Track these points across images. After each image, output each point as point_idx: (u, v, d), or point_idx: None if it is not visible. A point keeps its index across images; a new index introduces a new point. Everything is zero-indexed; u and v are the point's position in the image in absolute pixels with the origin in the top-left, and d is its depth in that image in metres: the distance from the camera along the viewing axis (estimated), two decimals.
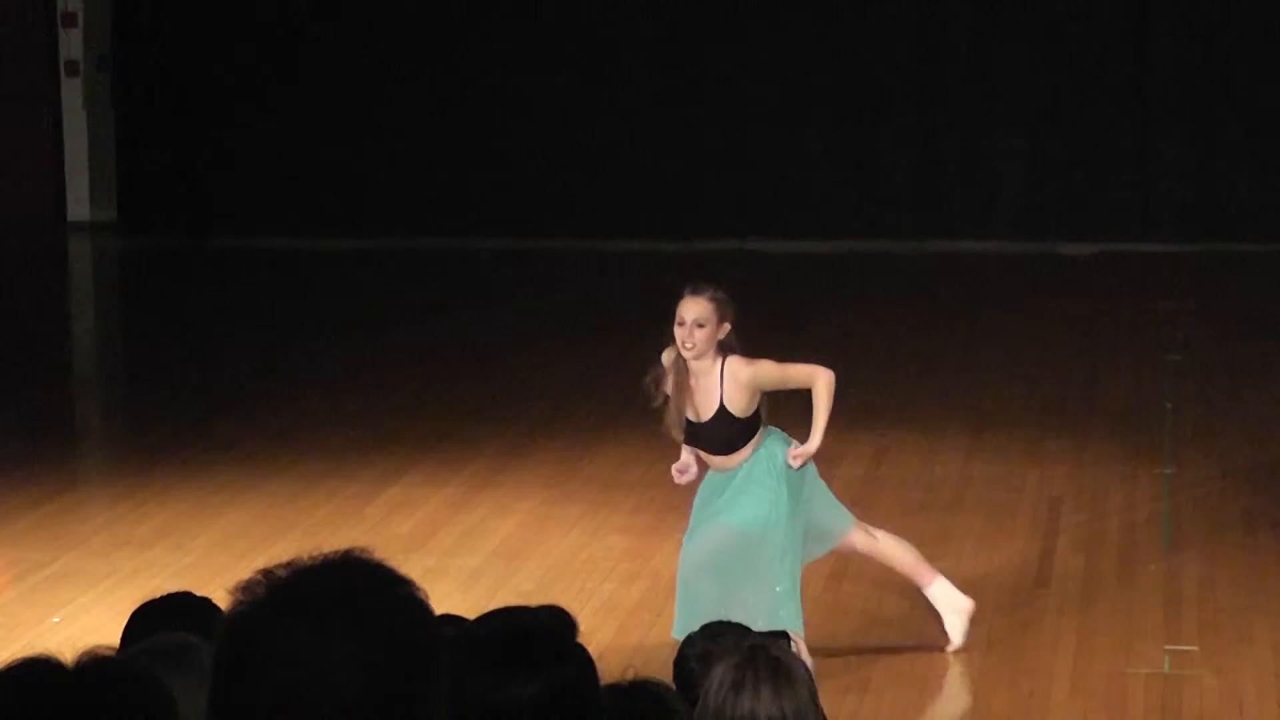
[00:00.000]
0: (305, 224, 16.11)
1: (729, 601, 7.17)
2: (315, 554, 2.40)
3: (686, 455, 7.71)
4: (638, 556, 8.97)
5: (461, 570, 8.71)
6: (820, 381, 7.58)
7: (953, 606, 7.77)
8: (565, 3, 15.93)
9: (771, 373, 7.55)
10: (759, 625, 6.83)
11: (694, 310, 7.43)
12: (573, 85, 15.94)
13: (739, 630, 4.80)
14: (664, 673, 4.67)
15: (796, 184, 15.88)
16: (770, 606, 7.32)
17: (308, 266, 15.59)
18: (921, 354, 12.63)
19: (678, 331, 7.49)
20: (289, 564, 2.38)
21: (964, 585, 8.21)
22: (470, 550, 9.06)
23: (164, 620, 3.94)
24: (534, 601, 3.39)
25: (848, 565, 8.60)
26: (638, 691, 3.65)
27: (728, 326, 7.48)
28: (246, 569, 2.46)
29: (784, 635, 5.07)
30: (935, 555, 8.84)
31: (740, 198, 15.86)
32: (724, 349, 7.49)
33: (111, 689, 2.56)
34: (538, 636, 3.10)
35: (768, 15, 15.79)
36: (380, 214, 16.12)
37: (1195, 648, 7.80)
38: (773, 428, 7.66)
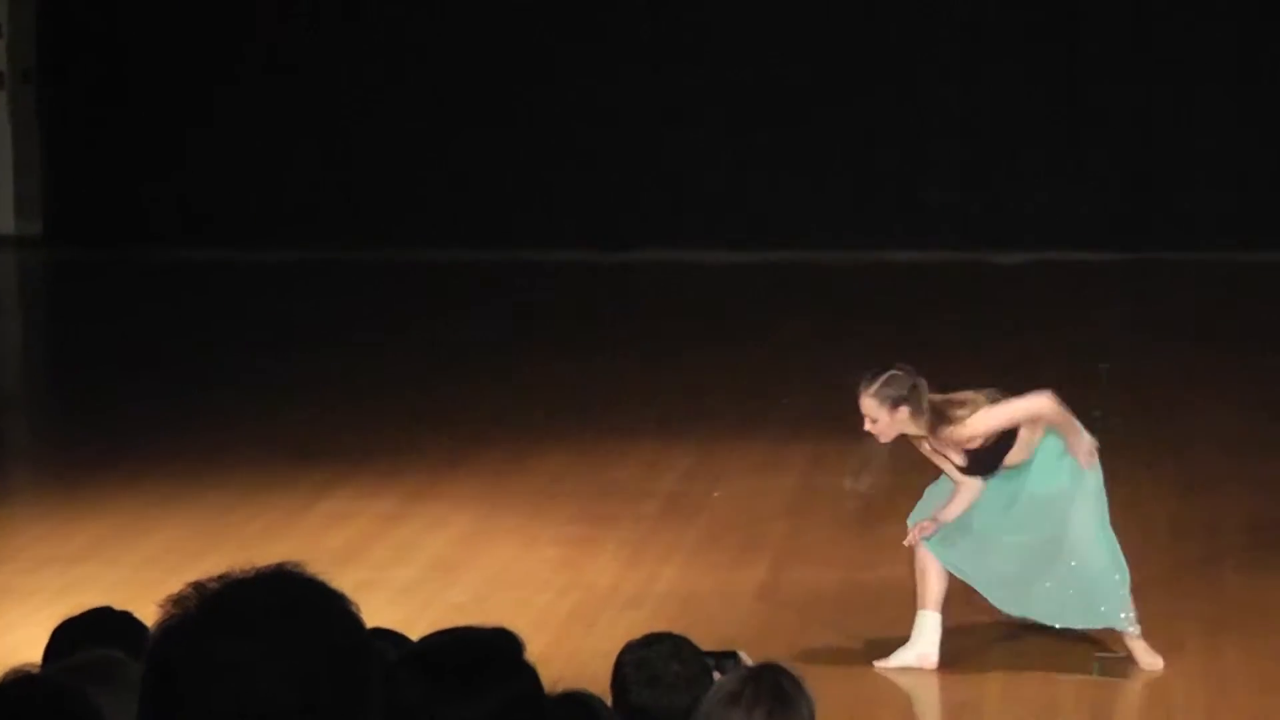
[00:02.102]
0: (236, 236, 16.05)
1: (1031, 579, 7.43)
2: (247, 567, 2.40)
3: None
4: (572, 568, 8.97)
5: (395, 583, 8.69)
6: (1046, 403, 7.75)
7: (920, 649, 7.76)
8: (497, 10, 15.91)
9: (995, 419, 7.65)
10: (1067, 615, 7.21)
11: (864, 409, 7.70)
12: (503, 93, 15.92)
13: (674, 639, 4.81)
14: (597, 684, 4.68)
15: (729, 194, 15.91)
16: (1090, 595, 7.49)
17: (239, 279, 15.53)
18: (855, 364, 12.64)
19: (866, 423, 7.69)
20: (220, 577, 2.38)
21: (897, 595, 8.24)
22: (404, 563, 9.04)
23: (86, 636, 3.93)
24: (468, 614, 3.40)
25: (781, 577, 8.61)
26: (568, 703, 3.66)
27: (905, 410, 7.58)
28: (178, 584, 2.46)
29: (734, 656, 5.09)
30: (870, 564, 8.88)
31: (672, 208, 15.87)
32: (929, 416, 7.61)
33: (37, 706, 2.55)
34: (486, 655, 3.12)
35: (702, 25, 15.81)
36: (314, 226, 16.06)
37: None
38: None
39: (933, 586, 7.79)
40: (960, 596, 8.54)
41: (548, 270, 15.44)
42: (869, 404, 7.67)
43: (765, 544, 9.27)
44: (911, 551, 7.81)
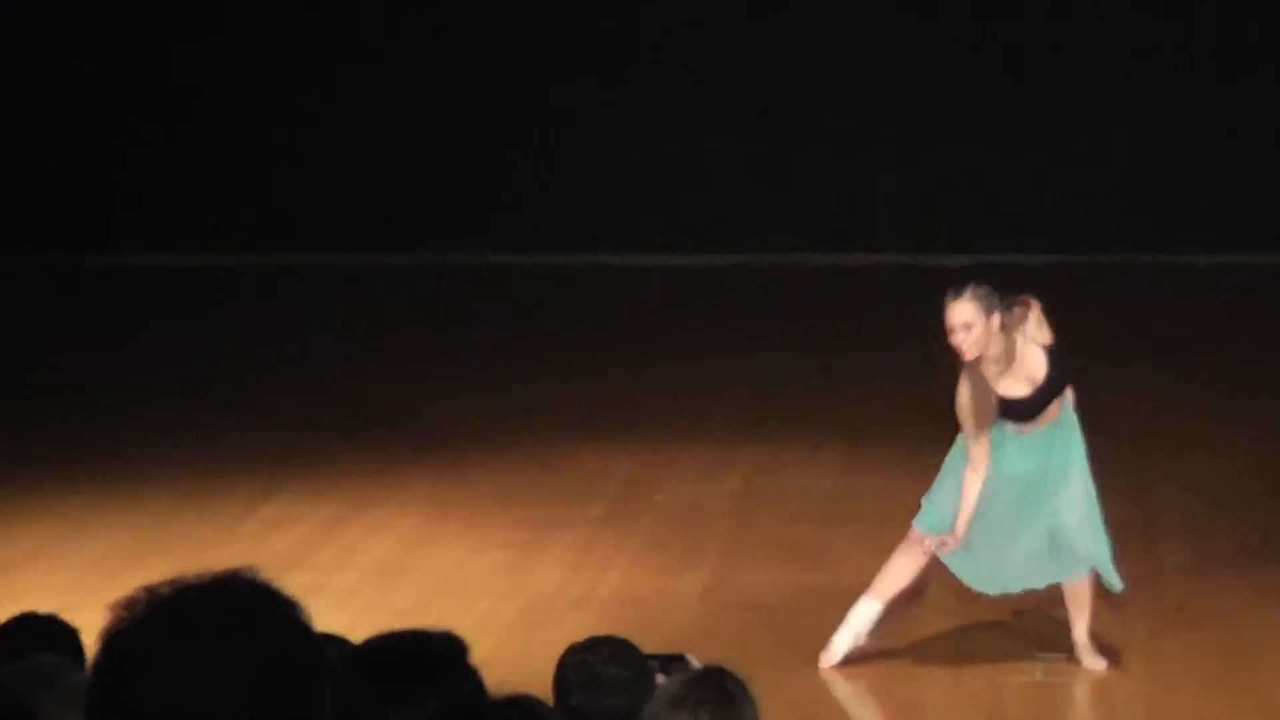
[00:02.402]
0: (186, 240, 15.97)
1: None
2: (200, 572, 2.39)
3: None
4: (516, 572, 8.97)
5: (339, 588, 8.67)
6: None
7: (858, 631, 7.79)
8: (450, 12, 15.88)
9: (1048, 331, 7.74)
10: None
11: (958, 315, 7.50)
12: (426, 97, 15.89)
13: (616, 643, 4.81)
14: (542, 688, 4.68)
15: (662, 198, 15.91)
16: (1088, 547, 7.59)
17: (185, 283, 15.46)
18: (798, 366, 12.69)
19: (952, 340, 7.54)
20: (172, 581, 2.37)
21: (843, 597, 8.26)
22: (348, 567, 9.02)
23: (16, 641, 3.91)
24: (412, 619, 3.40)
25: (722, 580, 8.62)
26: (512, 706, 3.66)
27: (997, 319, 7.51)
28: (120, 590, 2.45)
29: (681, 659, 5.09)
30: (813, 567, 8.91)
31: (617, 213, 15.87)
32: (1008, 329, 7.57)
33: None
34: (428, 657, 3.11)
35: (634, 27, 15.82)
36: (259, 230, 16.00)
37: (1068, 655, 7.88)
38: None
39: (892, 582, 7.81)
40: (905, 596, 8.56)
41: (493, 274, 15.42)
42: (966, 310, 7.50)
43: (709, 547, 9.28)
44: (856, 555, 7.83)
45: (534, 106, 15.88)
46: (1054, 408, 7.70)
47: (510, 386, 12.27)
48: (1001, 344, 7.55)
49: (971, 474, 7.63)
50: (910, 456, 10.63)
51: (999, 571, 7.73)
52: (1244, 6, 15.43)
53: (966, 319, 7.48)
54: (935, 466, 10.42)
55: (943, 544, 7.64)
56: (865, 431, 11.12)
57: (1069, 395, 7.81)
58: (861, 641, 7.78)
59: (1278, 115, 15.44)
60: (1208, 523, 9.52)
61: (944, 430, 11.13)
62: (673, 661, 4.98)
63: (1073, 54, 15.62)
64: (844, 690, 7.72)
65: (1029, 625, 8.24)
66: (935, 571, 8.88)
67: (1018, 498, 7.66)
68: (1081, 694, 7.60)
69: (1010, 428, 7.67)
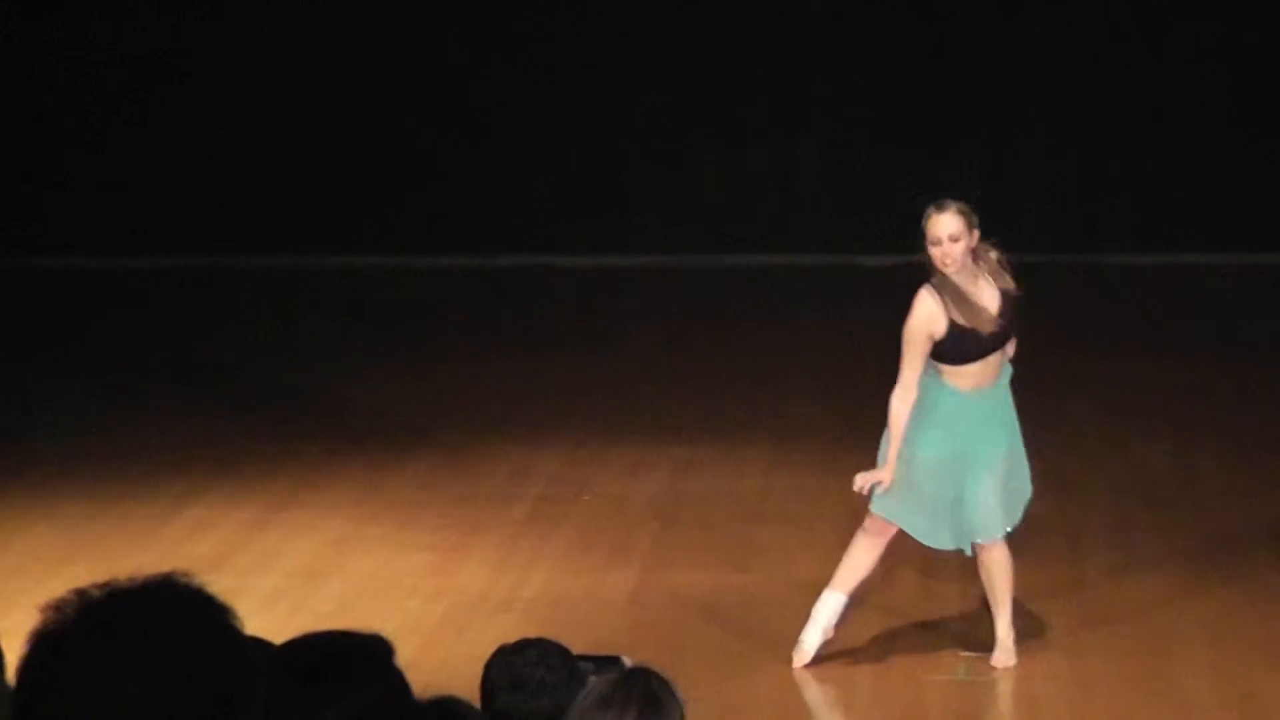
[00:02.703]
0: (92, 244, 15.86)
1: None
2: (134, 576, 2.38)
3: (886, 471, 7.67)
4: (441, 574, 8.95)
5: (261, 590, 8.63)
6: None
7: (826, 625, 7.81)
8: (357, 17, 15.84)
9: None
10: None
11: (945, 226, 7.53)
12: (369, 98, 15.86)
13: (544, 645, 4.81)
14: (468, 689, 4.67)
15: (598, 199, 15.91)
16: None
17: (106, 285, 15.35)
18: (723, 367, 12.70)
19: (934, 252, 7.55)
20: (104, 585, 2.36)
21: (767, 596, 8.28)
22: (270, 570, 8.98)
23: None
24: (335, 621, 3.39)
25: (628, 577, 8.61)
26: (437, 708, 3.65)
27: (977, 234, 7.60)
28: (42, 594, 2.43)
29: (616, 661, 5.08)
30: (737, 567, 8.92)
31: (538, 212, 15.86)
32: (977, 256, 7.61)
33: None
34: (354, 658, 3.11)
35: (567, 24, 15.82)
36: (170, 231, 15.91)
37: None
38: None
39: (852, 572, 7.83)
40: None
41: (414, 276, 15.39)
42: (953, 221, 7.58)
43: (635, 547, 9.28)
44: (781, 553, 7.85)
45: (436, 108, 15.85)
46: (994, 362, 7.70)
47: (431, 388, 12.24)
48: (969, 268, 7.60)
49: (899, 401, 7.64)
50: (835, 456, 10.66)
51: (944, 526, 7.77)
52: (1166, 7, 15.54)
53: (953, 230, 7.57)
54: (859, 465, 10.46)
55: (878, 482, 7.67)
56: (789, 432, 11.14)
57: (1009, 361, 7.82)
58: (830, 635, 7.80)
59: (1199, 117, 15.55)
60: (1130, 523, 9.58)
61: (868, 429, 11.19)
62: (607, 663, 4.98)
63: (999, 61, 15.70)
64: (769, 690, 7.73)
65: (952, 623, 8.28)
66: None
67: (951, 456, 7.68)
68: (1003, 691, 7.64)
69: (947, 375, 7.66)
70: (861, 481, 7.71)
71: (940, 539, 7.81)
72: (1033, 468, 8.00)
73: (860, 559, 7.83)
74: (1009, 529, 7.77)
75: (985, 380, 7.68)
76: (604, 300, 14.85)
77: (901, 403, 7.60)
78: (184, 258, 15.76)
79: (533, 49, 15.79)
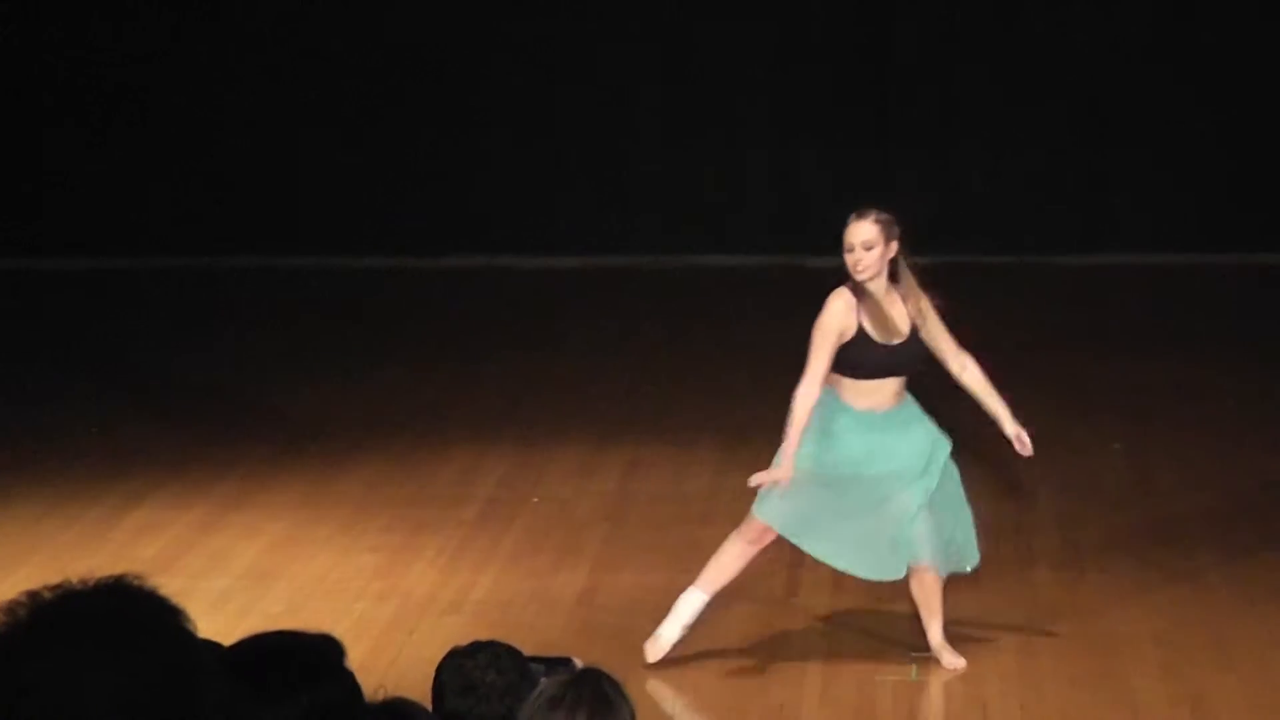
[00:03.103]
0: (45, 243, 15.80)
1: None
2: (85, 578, 2.37)
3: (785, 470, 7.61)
4: (389, 575, 8.92)
5: (210, 592, 8.59)
6: (973, 366, 7.91)
7: (685, 622, 7.82)
8: (330, 15, 15.81)
9: (936, 320, 7.73)
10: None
11: (860, 234, 7.59)
12: (326, 99, 15.82)
13: (495, 648, 4.80)
14: (417, 691, 4.65)
15: (545, 199, 15.90)
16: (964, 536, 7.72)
17: (41, 286, 15.27)
18: (672, 368, 12.70)
19: (848, 258, 7.62)
20: (57, 586, 2.34)
21: (715, 598, 8.26)
22: (219, 572, 8.94)
23: None
24: (285, 623, 3.37)
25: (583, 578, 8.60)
26: (388, 710, 3.64)
27: (895, 246, 7.60)
28: None
29: (567, 662, 5.07)
30: (686, 568, 8.90)
31: (488, 214, 15.84)
32: (894, 271, 7.63)
33: None
34: (302, 658, 3.09)
35: (518, 26, 15.80)
36: (117, 232, 15.83)
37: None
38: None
39: (720, 574, 7.83)
40: (773, 594, 8.58)
41: (360, 277, 15.35)
42: (869, 229, 7.63)
43: (584, 548, 9.27)
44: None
45: (434, 108, 15.82)
46: (892, 387, 7.72)
47: (377, 389, 12.21)
48: (884, 280, 7.65)
49: (804, 396, 7.62)
50: None
51: (850, 548, 7.77)
52: (1113, 10, 15.61)
53: (867, 238, 7.63)
54: None
55: (775, 482, 7.67)
56: (738, 434, 11.14)
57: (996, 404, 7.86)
58: (687, 632, 7.82)
59: (1144, 121, 15.62)
60: (1079, 522, 9.61)
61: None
62: (558, 664, 4.97)
63: (947, 61, 15.74)
64: (719, 691, 7.73)
65: (903, 625, 8.28)
66: (809, 572, 8.91)
67: (851, 476, 7.68)
68: (954, 692, 7.65)
69: (844, 390, 7.67)
70: (757, 480, 7.71)
71: (847, 561, 7.81)
72: (979, 527, 7.98)
73: (729, 563, 7.84)
74: (937, 566, 7.80)
75: (881, 404, 7.70)
76: (552, 300, 14.82)
77: (805, 397, 7.60)
78: (131, 258, 15.68)
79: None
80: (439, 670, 4.68)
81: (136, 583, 2.38)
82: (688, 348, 13.27)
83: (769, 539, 7.80)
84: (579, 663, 5.01)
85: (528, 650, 5.00)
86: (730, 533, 7.94)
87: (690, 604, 7.84)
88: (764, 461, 10.59)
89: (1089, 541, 9.32)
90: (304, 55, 15.79)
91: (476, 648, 4.73)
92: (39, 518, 9.70)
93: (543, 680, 4.04)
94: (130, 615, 2.33)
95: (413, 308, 14.58)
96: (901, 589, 8.67)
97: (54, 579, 2.38)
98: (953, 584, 8.74)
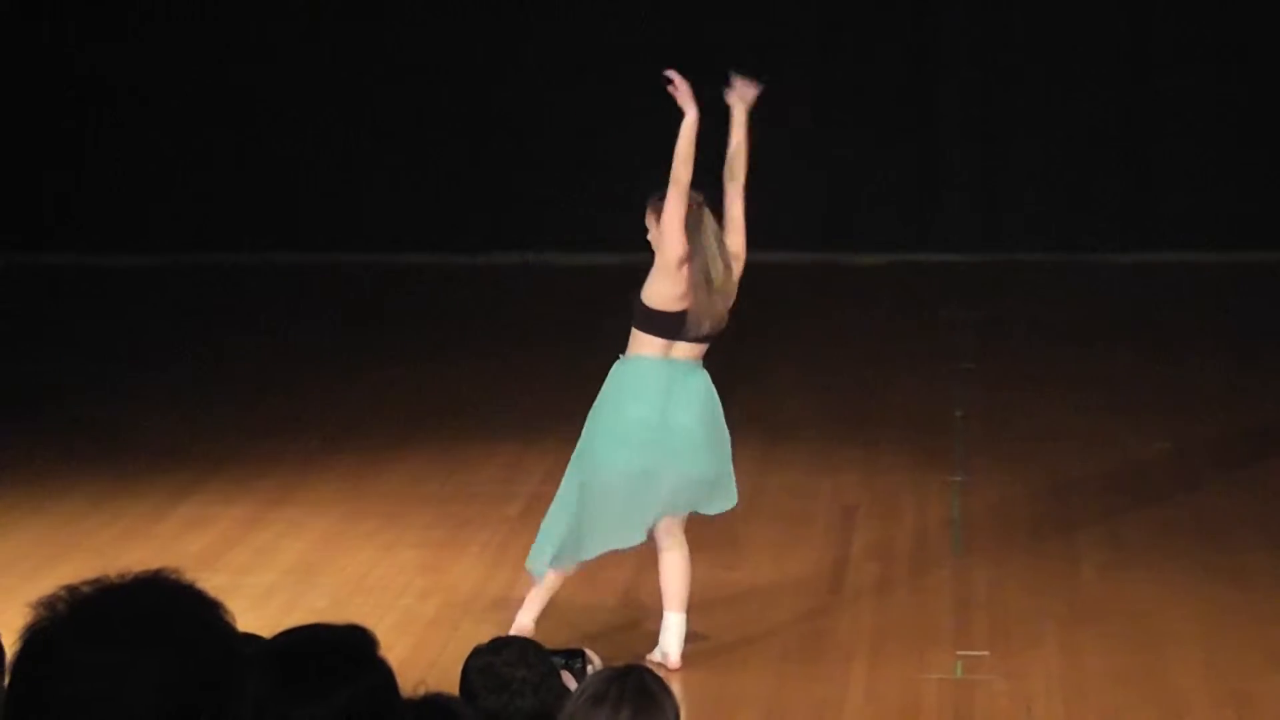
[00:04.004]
0: (82, 241, 15.85)
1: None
2: (124, 573, 2.37)
3: None
4: (433, 571, 8.93)
5: (255, 588, 8.61)
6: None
7: (664, 648, 7.81)
8: (347, 17, 15.83)
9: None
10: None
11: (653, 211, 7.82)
12: (359, 98, 15.84)
13: (521, 644, 4.80)
14: (458, 689, 4.66)
15: (584, 197, 15.90)
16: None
17: (90, 282, 15.33)
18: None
19: (650, 238, 7.86)
20: (94, 581, 2.35)
21: (758, 594, 8.27)
22: (263, 568, 8.96)
23: None
24: (328, 618, 3.36)
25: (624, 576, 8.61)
26: (427, 706, 3.64)
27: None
28: (33, 591, 2.42)
29: (580, 654, 5.07)
30: (730, 565, 8.90)
31: (534, 210, 15.85)
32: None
33: None
34: (336, 652, 3.09)
35: (554, 25, 15.80)
36: (167, 229, 15.89)
37: (986, 652, 7.92)
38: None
39: (669, 587, 7.84)
40: (817, 591, 8.57)
41: (405, 273, 15.37)
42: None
43: None
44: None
45: (435, 108, 15.84)
46: (693, 348, 7.68)
47: (423, 385, 12.22)
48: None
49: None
50: (824, 454, 10.66)
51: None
52: (1149, 10, 15.55)
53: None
54: (849, 465, 10.48)
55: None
56: (780, 430, 11.12)
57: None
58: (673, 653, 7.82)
59: (1192, 118, 15.55)
60: (1123, 521, 9.57)
61: (857, 430, 11.19)
62: (574, 657, 4.97)
63: (993, 64, 15.69)
64: (761, 687, 7.72)
65: (946, 621, 8.27)
66: (853, 569, 8.89)
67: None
68: (1000, 691, 7.62)
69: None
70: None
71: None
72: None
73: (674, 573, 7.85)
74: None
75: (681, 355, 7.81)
76: (587, 299, 14.80)
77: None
78: (177, 255, 15.73)
79: (536, 48, 15.77)
80: (466, 670, 4.67)
81: (174, 577, 2.38)
82: (726, 344, 13.23)
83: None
84: (593, 655, 5.00)
85: (567, 647, 5.01)
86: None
87: (672, 625, 7.84)
88: (807, 457, 10.62)
89: (1134, 540, 9.28)
90: (357, 55, 15.82)
91: (500, 644, 4.73)
92: (83, 513, 9.73)
93: (567, 675, 4.03)
94: (168, 608, 2.33)
95: (457, 304, 14.60)
96: (948, 586, 8.66)
97: (97, 574, 2.39)
98: (995, 581, 8.72)
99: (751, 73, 7.68)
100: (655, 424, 7.63)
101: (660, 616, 7.87)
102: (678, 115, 7.78)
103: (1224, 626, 8.20)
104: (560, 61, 15.81)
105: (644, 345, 7.65)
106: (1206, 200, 15.55)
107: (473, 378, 12.37)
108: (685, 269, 7.57)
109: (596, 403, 7.79)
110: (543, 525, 7.85)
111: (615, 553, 8.02)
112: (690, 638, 7.97)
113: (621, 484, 7.64)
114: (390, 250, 15.70)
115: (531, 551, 7.84)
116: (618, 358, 7.79)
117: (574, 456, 7.81)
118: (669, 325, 7.63)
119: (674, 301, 7.60)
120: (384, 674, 3.09)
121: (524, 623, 7.71)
